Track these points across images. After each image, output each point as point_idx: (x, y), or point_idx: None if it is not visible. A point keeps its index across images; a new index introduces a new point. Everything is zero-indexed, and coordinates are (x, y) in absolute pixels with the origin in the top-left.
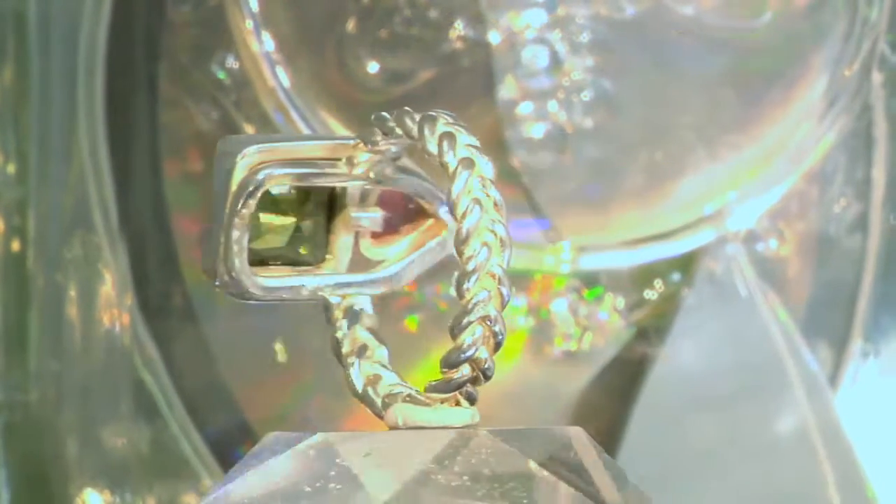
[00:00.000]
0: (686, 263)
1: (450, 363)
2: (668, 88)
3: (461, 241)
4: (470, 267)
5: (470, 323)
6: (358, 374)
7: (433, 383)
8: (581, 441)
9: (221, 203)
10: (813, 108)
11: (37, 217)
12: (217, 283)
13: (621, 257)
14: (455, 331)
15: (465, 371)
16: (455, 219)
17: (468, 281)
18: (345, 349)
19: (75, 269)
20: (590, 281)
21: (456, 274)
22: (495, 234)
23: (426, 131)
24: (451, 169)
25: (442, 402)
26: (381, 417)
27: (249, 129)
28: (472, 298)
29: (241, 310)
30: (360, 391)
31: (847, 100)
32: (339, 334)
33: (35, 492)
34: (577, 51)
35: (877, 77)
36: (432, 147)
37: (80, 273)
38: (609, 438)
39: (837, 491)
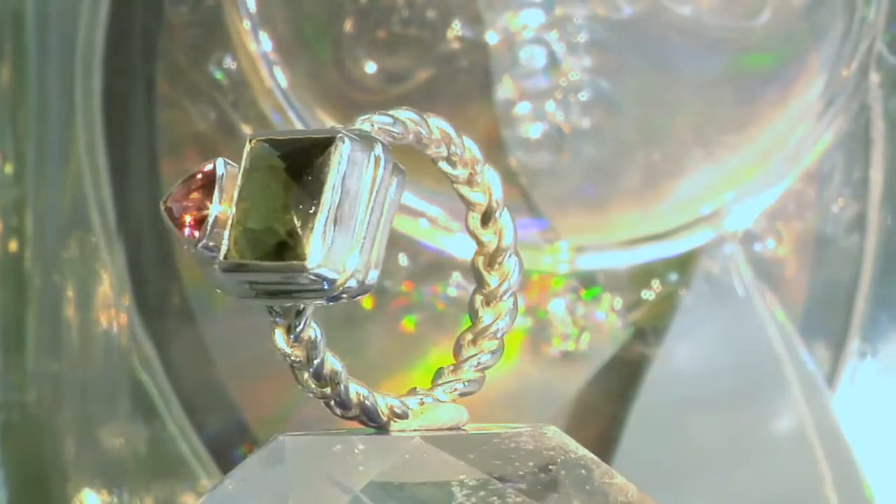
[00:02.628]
0: (684, 263)
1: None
2: (665, 89)
3: (499, 253)
4: (504, 287)
5: (494, 338)
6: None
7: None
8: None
9: (365, 205)
10: (810, 108)
11: (34, 217)
12: (345, 284)
13: (619, 257)
14: (472, 343)
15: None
16: (493, 225)
17: (502, 296)
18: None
19: (73, 269)
20: (587, 281)
21: (487, 282)
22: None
23: (448, 131)
24: (483, 170)
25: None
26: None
27: (247, 130)
28: (502, 313)
29: (239, 310)
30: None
31: (845, 100)
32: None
33: (33, 492)
34: (575, 51)
35: (874, 77)
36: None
37: (77, 273)
38: (606, 438)
39: (835, 491)
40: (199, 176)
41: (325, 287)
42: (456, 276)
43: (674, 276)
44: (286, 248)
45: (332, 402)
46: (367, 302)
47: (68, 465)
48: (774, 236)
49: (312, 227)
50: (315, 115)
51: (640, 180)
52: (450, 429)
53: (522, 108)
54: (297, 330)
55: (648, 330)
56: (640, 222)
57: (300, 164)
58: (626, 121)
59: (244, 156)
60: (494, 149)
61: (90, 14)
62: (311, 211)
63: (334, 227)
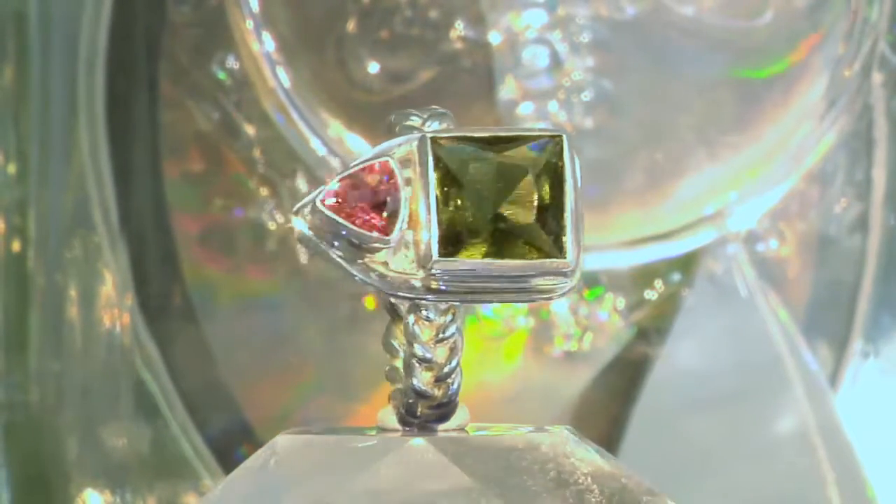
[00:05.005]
0: (686, 263)
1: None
2: (668, 88)
3: None
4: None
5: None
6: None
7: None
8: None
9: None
10: (813, 108)
11: (37, 217)
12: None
13: (621, 257)
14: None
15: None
16: None
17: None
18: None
19: (76, 269)
20: (590, 281)
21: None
22: None
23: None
24: None
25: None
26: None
27: (250, 130)
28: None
29: (241, 310)
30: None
31: (847, 100)
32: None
33: (35, 492)
34: (578, 51)
35: (877, 77)
36: None
37: (80, 273)
38: (609, 438)
39: (837, 491)
40: (365, 172)
41: (566, 284)
42: None
43: (676, 277)
44: (530, 244)
45: (435, 405)
46: (370, 302)
47: (71, 465)
48: (777, 236)
49: (565, 225)
50: (318, 116)
51: (643, 180)
52: (457, 428)
53: (525, 108)
54: (449, 332)
55: (651, 330)
56: (642, 222)
57: (521, 162)
58: (629, 121)
59: (428, 154)
60: None
61: (93, 14)
62: (547, 208)
63: (574, 224)
